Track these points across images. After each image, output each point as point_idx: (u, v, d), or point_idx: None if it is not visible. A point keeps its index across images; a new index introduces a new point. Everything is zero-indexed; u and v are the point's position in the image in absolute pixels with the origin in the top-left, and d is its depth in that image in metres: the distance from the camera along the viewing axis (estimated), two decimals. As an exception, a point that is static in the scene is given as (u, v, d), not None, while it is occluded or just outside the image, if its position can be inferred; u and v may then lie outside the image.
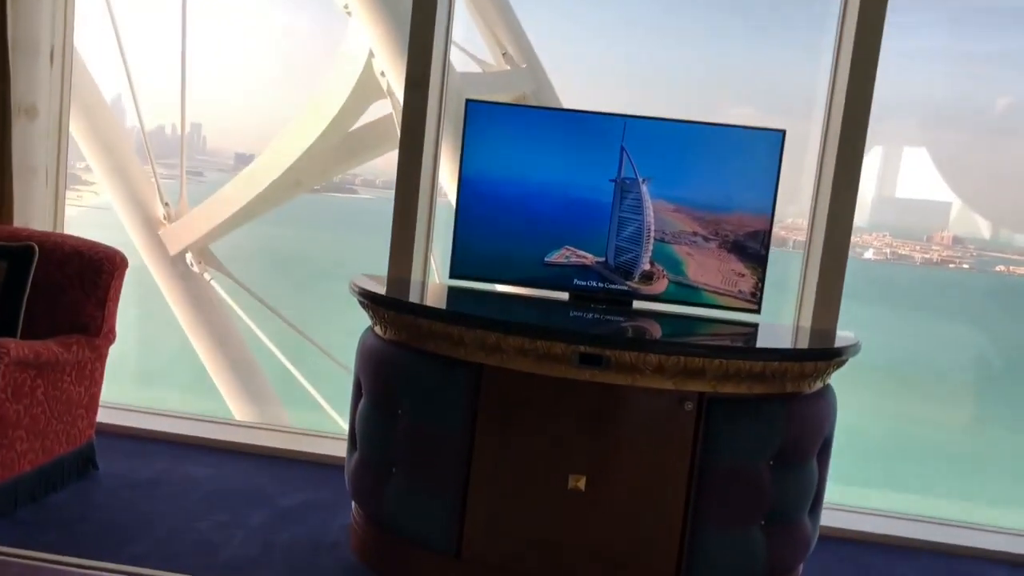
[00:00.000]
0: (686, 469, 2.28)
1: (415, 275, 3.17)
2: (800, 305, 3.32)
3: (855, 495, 3.53)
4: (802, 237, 3.50)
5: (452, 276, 2.81)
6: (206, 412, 3.81)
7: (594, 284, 2.76)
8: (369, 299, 2.48)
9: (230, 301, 8.17)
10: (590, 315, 2.57)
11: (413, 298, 2.72)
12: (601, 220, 2.77)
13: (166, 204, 8.28)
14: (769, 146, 2.71)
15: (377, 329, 2.55)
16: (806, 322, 3.26)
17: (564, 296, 2.78)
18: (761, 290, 2.74)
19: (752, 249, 2.72)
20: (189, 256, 8.26)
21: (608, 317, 2.57)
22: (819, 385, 2.44)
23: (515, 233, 2.80)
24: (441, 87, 3.30)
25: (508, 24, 8.09)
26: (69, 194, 3.70)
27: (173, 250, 8.25)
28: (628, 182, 2.74)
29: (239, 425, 3.81)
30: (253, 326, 8.15)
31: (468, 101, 2.79)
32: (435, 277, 3.56)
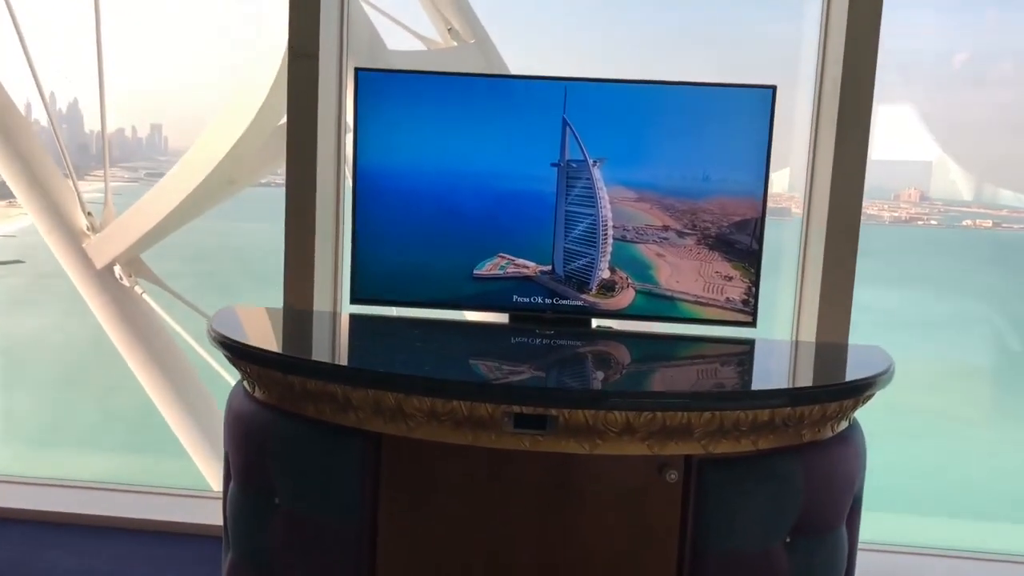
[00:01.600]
0: (673, 562, 1.64)
1: (319, 302, 2.51)
2: (799, 303, 2.70)
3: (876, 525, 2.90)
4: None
5: (354, 301, 2.15)
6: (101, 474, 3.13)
7: (539, 300, 2.11)
8: (223, 347, 1.81)
9: (165, 316, 7.46)
10: (536, 342, 1.91)
11: (298, 337, 2.06)
12: (543, 217, 2.12)
13: (88, 214, 7.54)
14: (756, 107, 2.07)
15: (246, 385, 1.88)
16: (807, 323, 2.64)
17: (503, 318, 2.14)
18: (756, 296, 2.10)
19: (741, 244, 2.09)
20: (117, 269, 7.52)
21: (559, 344, 1.92)
22: (843, 426, 1.80)
23: (433, 239, 2.14)
24: (339, 59, 2.62)
25: (452, -5, 7.38)
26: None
27: (100, 263, 7.53)
28: (575, 165, 2.09)
29: (127, 491, 3.13)
30: (193, 342, 7.45)
31: (357, 71, 2.11)
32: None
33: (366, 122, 2.10)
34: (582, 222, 2.10)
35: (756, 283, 2.09)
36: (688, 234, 2.10)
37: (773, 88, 2.06)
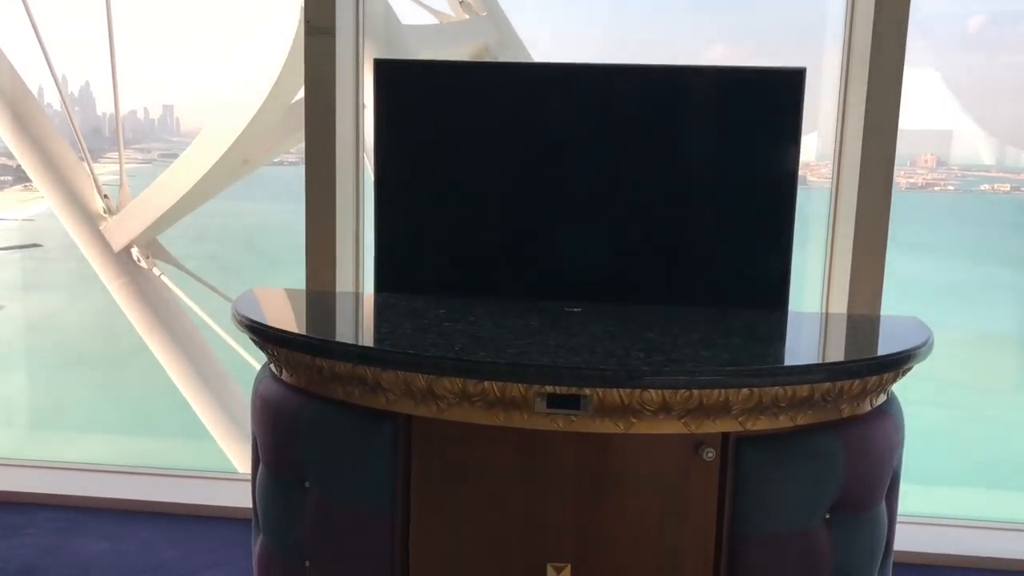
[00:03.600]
0: (711, 544, 1.61)
1: (342, 284, 2.48)
2: (829, 274, 2.65)
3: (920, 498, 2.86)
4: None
5: (380, 289, 2.11)
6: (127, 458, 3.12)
7: (568, 278, 2.07)
8: (250, 331, 1.78)
9: (184, 297, 7.47)
10: (567, 319, 1.87)
11: (323, 318, 2.03)
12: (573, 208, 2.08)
13: (105, 196, 7.52)
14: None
15: (273, 368, 1.86)
16: (838, 294, 2.60)
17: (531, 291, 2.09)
18: (787, 275, 2.05)
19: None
20: (135, 251, 7.52)
21: (589, 320, 1.88)
22: (882, 399, 1.76)
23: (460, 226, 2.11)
24: (356, 33, 2.58)
25: (463, -31, 7.27)
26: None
27: (117, 246, 7.53)
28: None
29: (155, 474, 3.13)
30: (212, 323, 7.45)
31: (376, 61, 2.07)
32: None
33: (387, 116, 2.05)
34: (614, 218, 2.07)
35: (788, 261, 2.04)
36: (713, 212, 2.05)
37: (802, 70, 1.99)
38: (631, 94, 2.06)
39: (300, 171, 2.51)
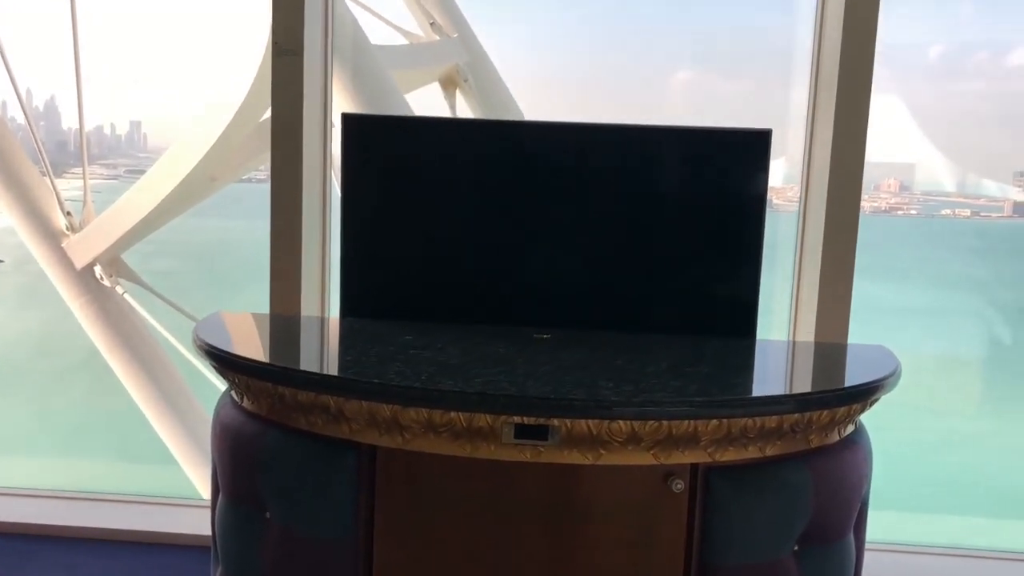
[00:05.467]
0: (679, 574, 1.59)
1: (308, 307, 2.44)
2: (796, 300, 2.66)
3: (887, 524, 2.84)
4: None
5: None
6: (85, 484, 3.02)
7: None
8: (209, 356, 1.74)
9: (147, 316, 7.34)
10: (535, 347, 1.85)
11: (287, 345, 1.99)
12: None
13: (68, 214, 7.40)
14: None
15: (234, 395, 1.81)
16: (805, 320, 2.60)
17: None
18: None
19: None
20: (98, 269, 7.39)
21: (558, 349, 1.86)
22: (850, 429, 1.76)
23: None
24: (324, 54, 2.55)
25: (432, -12, 7.27)
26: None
27: (80, 263, 7.40)
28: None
29: (112, 500, 3.05)
30: (177, 344, 7.33)
31: (343, 116, 2.06)
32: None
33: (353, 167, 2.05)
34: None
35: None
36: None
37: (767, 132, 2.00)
38: (601, 151, 2.07)
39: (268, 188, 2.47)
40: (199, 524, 2.62)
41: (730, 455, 1.58)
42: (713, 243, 2.03)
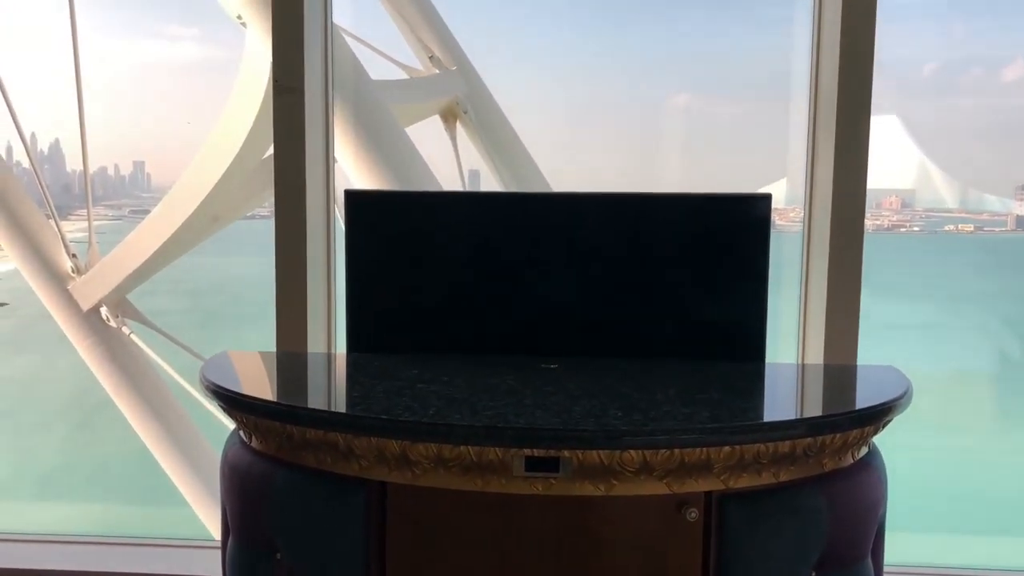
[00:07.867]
0: (696, 605, 1.57)
1: (314, 343, 2.43)
2: (804, 321, 2.65)
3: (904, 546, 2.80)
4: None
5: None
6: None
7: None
8: (216, 396, 1.73)
9: (154, 356, 7.33)
10: (543, 377, 1.84)
11: (294, 382, 1.98)
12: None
13: (73, 256, 7.42)
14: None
15: (242, 435, 1.80)
16: (814, 341, 2.59)
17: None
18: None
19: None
20: (104, 310, 7.40)
21: (566, 378, 1.85)
22: (864, 451, 1.74)
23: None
24: (325, 91, 2.57)
25: (431, 24, 7.32)
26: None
27: (86, 305, 7.41)
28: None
29: (126, 544, 3.02)
30: (185, 383, 7.30)
31: (345, 192, 2.08)
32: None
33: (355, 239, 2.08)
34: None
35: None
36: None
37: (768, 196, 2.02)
38: (600, 216, 2.09)
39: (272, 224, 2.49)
40: (212, 567, 2.60)
41: (744, 482, 1.56)
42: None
